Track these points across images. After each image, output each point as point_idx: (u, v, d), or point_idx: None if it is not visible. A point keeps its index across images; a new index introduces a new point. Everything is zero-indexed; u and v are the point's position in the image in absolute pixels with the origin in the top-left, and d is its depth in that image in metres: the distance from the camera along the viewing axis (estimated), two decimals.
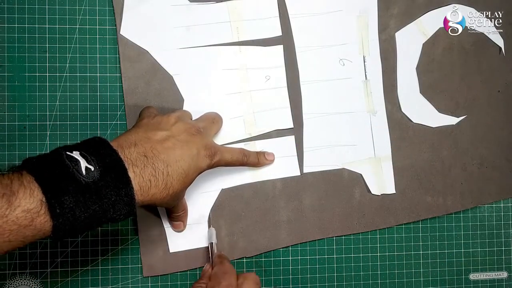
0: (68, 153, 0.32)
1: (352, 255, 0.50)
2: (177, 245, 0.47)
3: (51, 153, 0.32)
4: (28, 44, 0.46)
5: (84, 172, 0.31)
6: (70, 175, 0.30)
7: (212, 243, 0.45)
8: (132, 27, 0.46)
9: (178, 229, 0.47)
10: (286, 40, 0.49)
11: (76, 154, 0.32)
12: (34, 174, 0.30)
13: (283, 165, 0.49)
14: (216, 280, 0.39)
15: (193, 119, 0.45)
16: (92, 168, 0.31)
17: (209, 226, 0.48)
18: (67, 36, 0.46)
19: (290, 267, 0.49)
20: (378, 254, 0.51)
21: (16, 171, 0.30)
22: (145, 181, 0.34)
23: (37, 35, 0.46)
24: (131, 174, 0.33)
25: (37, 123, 0.46)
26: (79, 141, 0.34)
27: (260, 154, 0.48)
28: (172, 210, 0.45)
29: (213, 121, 0.46)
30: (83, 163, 0.31)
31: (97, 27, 0.47)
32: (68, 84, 0.46)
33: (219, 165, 0.42)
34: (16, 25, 0.45)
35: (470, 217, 0.53)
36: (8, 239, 0.29)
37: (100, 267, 0.46)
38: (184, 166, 0.37)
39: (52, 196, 0.29)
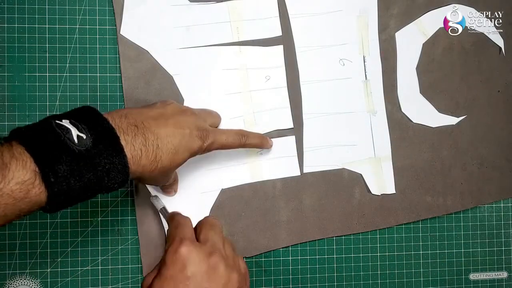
0: (57, 121, 0.31)
1: (352, 255, 0.50)
2: None
3: (40, 122, 0.31)
4: (28, 44, 0.46)
5: (76, 140, 0.30)
6: (62, 143, 0.30)
7: (162, 208, 0.44)
8: (132, 27, 0.46)
9: (169, 194, 0.46)
10: (286, 40, 0.49)
11: (66, 123, 0.31)
12: (25, 145, 0.29)
13: (283, 165, 0.49)
14: (171, 238, 0.37)
15: None
16: (84, 136, 0.31)
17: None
18: (67, 36, 0.46)
19: (290, 267, 0.49)
20: (378, 254, 0.51)
21: (5, 142, 0.30)
22: (136, 150, 0.34)
23: (37, 35, 0.46)
24: (122, 142, 0.33)
25: None
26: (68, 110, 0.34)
27: (264, 137, 0.47)
28: (166, 186, 0.45)
29: (210, 112, 0.46)
30: (74, 132, 0.31)
31: (97, 27, 0.47)
32: (68, 84, 0.46)
33: (214, 148, 0.41)
34: (16, 25, 0.45)
35: (470, 217, 0.53)
36: (3, 213, 0.28)
37: (100, 267, 0.46)
38: (174, 142, 0.36)
39: (45, 165, 0.29)
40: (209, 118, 0.45)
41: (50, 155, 0.29)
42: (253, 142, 0.46)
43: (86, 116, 0.33)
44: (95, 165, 0.31)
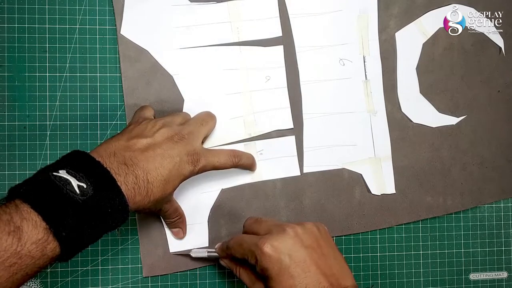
0: (55, 173, 0.31)
1: (352, 255, 0.50)
2: (177, 245, 0.47)
3: (38, 175, 0.32)
4: (28, 44, 0.46)
5: (77, 190, 0.31)
6: (66, 197, 0.30)
7: (208, 253, 0.45)
8: (132, 27, 0.46)
9: (178, 236, 0.47)
10: (286, 40, 0.49)
11: (63, 173, 0.32)
12: (30, 203, 0.30)
13: (283, 165, 0.49)
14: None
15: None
16: (85, 185, 0.32)
17: (208, 225, 0.48)
18: (67, 36, 0.46)
19: None
20: (378, 254, 0.51)
21: (9, 201, 0.30)
22: (129, 189, 0.34)
23: (37, 35, 0.46)
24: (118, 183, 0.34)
25: (37, 123, 0.46)
26: (58, 158, 0.34)
27: (254, 158, 0.47)
28: (165, 216, 0.45)
29: (201, 123, 0.44)
30: (74, 182, 0.31)
31: (97, 27, 0.47)
32: (68, 84, 0.46)
33: (206, 170, 0.42)
34: (16, 25, 0.45)
35: (470, 217, 0.53)
36: (25, 273, 0.29)
37: (100, 267, 0.46)
38: (164, 173, 0.37)
39: (55, 222, 0.30)
40: (202, 130, 0.44)
41: (57, 211, 0.30)
42: (245, 163, 0.46)
43: (80, 163, 0.33)
44: (99, 210, 0.32)
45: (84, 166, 0.33)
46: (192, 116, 0.46)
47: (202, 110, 0.47)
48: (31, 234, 0.29)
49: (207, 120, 0.45)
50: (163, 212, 0.44)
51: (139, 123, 0.40)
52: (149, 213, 0.46)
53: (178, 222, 0.46)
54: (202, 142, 0.44)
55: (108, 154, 0.35)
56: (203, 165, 0.41)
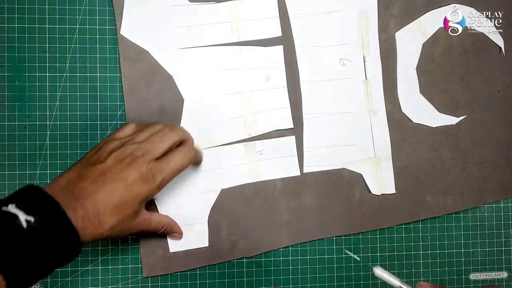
0: (3, 208, 0.31)
1: (352, 255, 0.50)
2: (177, 245, 0.47)
3: None
4: (28, 44, 0.46)
5: (25, 224, 0.31)
6: (12, 234, 0.30)
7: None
8: (132, 27, 0.46)
9: (176, 239, 0.47)
10: (286, 40, 0.49)
11: (11, 208, 0.31)
12: None
13: (283, 165, 0.49)
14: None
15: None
16: (33, 219, 0.31)
17: (208, 225, 0.48)
18: (67, 36, 0.46)
19: (290, 267, 0.49)
20: (378, 254, 0.51)
21: None
22: (79, 222, 0.34)
23: (37, 35, 0.46)
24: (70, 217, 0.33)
25: (37, 123, 0.46)
26: (11, 193, 0.34)
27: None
28: (149, 232, 0.43)
29: (162, 139, 0.40)
30: (22, 216, 0.31)
31: (97, 27, 0.47)
32: (68, 84, 0.46)
33: (169, 181, 0.40)
34: (16, 25, 0.45)
35: (470, 217, 0.53)
36: None
37: (100, 267, 0.46)
38: (115, 198, 0.36)
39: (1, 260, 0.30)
40: (162, 145, 0.40)
41: (1, 245, 0.30)
42: (199, 157, 0.45)
43: (31, 197, 0.33)
44: (47, 244, 0.32)
45: (34, 200, 0.33)
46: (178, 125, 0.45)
47: (202, 110, 0.47)
48: None
49: (170, 136, 0.41)
50: (144, 231, 0.42)
51: (99, 147, 0.39)
52: (123, 237, 0.45)
53: (168, 231, 0.45)
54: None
55: (60, 187, 0.35)
56: (162, 179, 0.39)
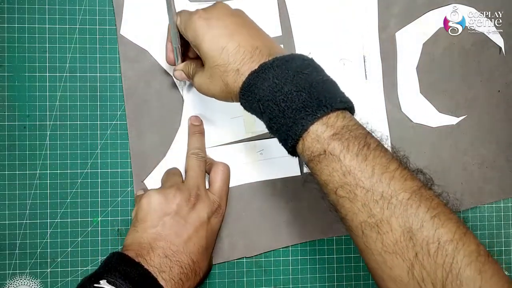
0: (95, 285, 0.31)
1: (352, 255, 0.50)
2: None
3: None
4: (28, 44, 0.46)
5: None
6: None
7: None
8: (132, 27, 0.46)
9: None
10: (286, 40, 0.49)
11: (104, 284, 0.31)
12: None
13: (283, 165, 0.49)
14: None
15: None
16: None
17: None
18: (67, 36, 0.46)
19: (290, 267, 0.49)
20: None
21: None
22: (177, 282, 0.34)
23: (37, 35, 0.46)
24: (162, 282, 0.33)
25: (37, 123, 0.46)
26: (99, 265, 0.34)
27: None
28: None
29: (200, 168, 0.44)
30: None
31: (97, 27, 0.47)
32: (68, 84, 0.46)
33: (227, 197, 0.44)
34: (16, 25, 0.45)
35: (470, 217, 0.53)
36: None
37: None
38: (202, 242, 0.37)
39: None
40: (202, 183, 0.43)
41: None
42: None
43: (120, 269, 0.33)
44: None
45: (123, 272, 0.32)
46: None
47: (202, 110, 0.47)
48: None
49: (197, 168, 0.44)
50: None
51: (149, 205, 0.39)
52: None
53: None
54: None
55: (146, 251, 0.35)
56: (225, 201, 0.43)
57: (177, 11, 0.40)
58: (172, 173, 0.44)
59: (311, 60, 0.34)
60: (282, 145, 0.33)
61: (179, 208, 0.38)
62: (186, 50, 0.42)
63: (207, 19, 0.35)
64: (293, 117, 0.31)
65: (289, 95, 0.31)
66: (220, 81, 0.35)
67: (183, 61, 0.43)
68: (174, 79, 0.46)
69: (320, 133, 0.30)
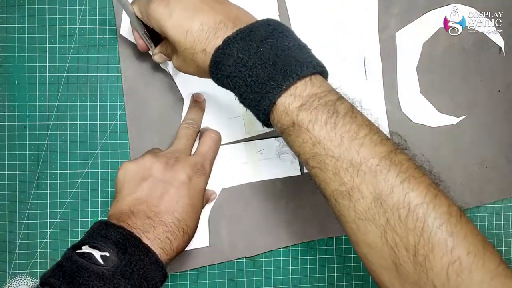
0: (78, 251, 0.31)
1: (352, 255, 0.50)
2: None
3: (63, 259, 0.31)
4: (28, 44, 0.46)
5: (101, 261, 0.30)
6: (90, 272, 0.30)
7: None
8: None
9: (213, 199, 0.47)
10: None
11: (86, 249, 0.31)
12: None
13: (283, 165, 0.49)
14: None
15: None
16: (108, 254, 0.31)
17: (208, 225, 0.47)
18: (67, 36, 0.46)
19: (290, 267, 0.49)
20: None
21: None
22: (163, 240, 0.34)
23: (37, 35, 0.46)
24: (147, 241, 0.33)
25: (37, 123, 0.46)
26: (83, 235, 0.34)
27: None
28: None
29: (187, 137, 0.43)
30: (97, 254, 0.31)
31: (97, 27, 0.47)
32: (68, 84, 0.46)
33: (213, 162, 0.42)
34: (16, 25, 0.45)
35: (470, 217, 0.53)
36: None
37: None
38: (185, 200, 0.37)
39: None
40: (188, 143, 0.43)
41: (82, 283, 0.29)
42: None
43: (102, 233, 0.32)
44: (129, 276, 0.31)
45: (105, 235, 0.32)
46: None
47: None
48: None
49: (187, 134, 0.44)
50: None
51: (128, 174, 0.38)
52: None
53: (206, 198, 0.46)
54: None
55: (127, 216, 0.34)
56: (209, 163, 0.41)
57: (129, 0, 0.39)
58: (153, 148, 0.44)
59: (277, 24, 0.33)
60: (257, 119, 0.33)
61: (156, 172, 0.38)
62: (156, 32, 0.40)
63: (166, 5, 0.34)
64: (260, 92, 0.30)
65: (254, 69, 0.30)
66: (192, 63, 0.34)
67: (156, 43, 0.42)
68: (158, 63, 0.45)
69: (287, 105, 0.30)
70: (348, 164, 0.29)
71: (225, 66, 0.32)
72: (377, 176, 0.28)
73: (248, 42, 0.31)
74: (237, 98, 0.33)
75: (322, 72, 0.32)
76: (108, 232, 0.32)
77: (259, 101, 0.31)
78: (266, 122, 0.32)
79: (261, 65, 0.30)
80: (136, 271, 0.31)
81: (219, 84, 0.34)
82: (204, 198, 0.42)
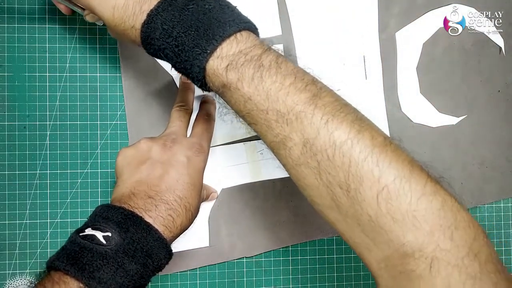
0: (81, 234, 0.31)
1: (352, 255, 0.50)
2: (177, 245, 0.47)
3: (67, 243, 0.32)
4: (28, 44, 0.46)
5: (104, 241, 0.31)
6: (93, 252, 0.30)
7: None
8: None
9: (214, 198, 0.47)
10: (286, 39, 0.49)
11: (88, 231, 0.31)
12: (62, 269, 0.30)
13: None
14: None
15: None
16: (110, 234, 0.31)
17: (208, 225, 0.47)
18: (67, 36, 0.46)
19: (290, 267, 0.49)
20: None
21: (45, 276, 0.31)
22: (166, 218, 0.34)
23: (37, 35, 0.46)
24: (149, 220, 0.33)
25: (37, 123, 0.46)
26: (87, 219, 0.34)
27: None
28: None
29: (180, 119, 0.42)
30: (99, 234, 0.31)
31: (97, 27, 0.46)
32: (68, 84, 0.46)
33: (210, 141, 0.42)
34: (16, 25, 0.45)
35: None
36: None
37: None
38: (185, 179, 0.36)
39: (87, 278, 0.29)
40: (183, 125, 0.42)
41: (87, 268, 0.30)
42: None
43: (104, 215, 0.33)
44: (133, 254, 0.31)
45: (107, 217, 0.32)
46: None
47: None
48: None
49: (179, 116, 0.43)
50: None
51: (126, 159, 0.39)
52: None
53: (207, 196, 0.46)
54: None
55: (128, 198, 0.35)
56: (207, 143, 0.41)
57: None
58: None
59: None
60: (196, 86, 0.33)
61: (155, 153, 0.38)
62: None
63: None
64: (188, 60, 0.31)
65: (179, 38, 0.31)
66: (126, 38, 0.34)
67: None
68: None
69: (216, 67, 0.30)
70: (277, 115, 0.30)
71: (154, 40, 0.32)
72: (303, 122, 0.29)
73: (171, 12, 0.31)
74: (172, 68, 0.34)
75: (249, 28, 0.32)
76: (110, 214, 0.33)
77: (190, 68, 0.31)
78: (203, 87, 0.33)
79: (185, 33, 0.31)
80: (139, 249, 0.31)
81: (156, 58, 0.34)
82: (204, 190, 0.42)
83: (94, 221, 0.32)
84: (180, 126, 0.42)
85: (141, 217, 0.33)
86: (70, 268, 0.29)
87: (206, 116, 0.44)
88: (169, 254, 0.34)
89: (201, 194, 0.41)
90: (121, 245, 0.31)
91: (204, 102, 0.44)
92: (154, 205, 0.34)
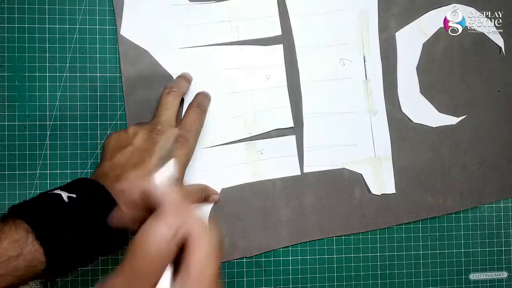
0: (49, 192, 0.33)
1: (352, 255, 0.50)
2: None
3: (35, 196, 0.33)
4: (28, 44, 0.46)
5: (67, 200, 0.32)
6: (52, 205, 0.32)
7: None
8: (132, 27, 0.46)
9: (214, 201, 0.47)
10: (286, 39, 0.49)
11: (56, 191, 0.33)
12: (18, 215, 0.31)
13: (283, 165, 0.49)
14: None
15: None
16: (74, 195, 0.33)
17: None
18: (67, 36, 0.46)
19: (290, 267, 0.49)
20: (378, 254, 0.51)
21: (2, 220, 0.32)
22: (127, 204, 0.35)
23: (37, 35, 0.46)
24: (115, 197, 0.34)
25: (37, 123, 0.46)
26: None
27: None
28: (195, 201, 0.44)
29: (167, 106, 0.42)
30: (64, 194, 0.33)
31: (97, 27, 0.47)
32: (68, 84, 0.46)
33: (198, 134, 0.42)
34: (16, 25, 0.45)
35: (470, 217, 0.53)
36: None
37: (100, 267, 0.46)
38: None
39: (36, 222, 0.30)
40: (170, 113, 0.42)
41: (40, 214, 0.31)
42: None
43: (75, 182, 0.35)
44: (88, 214, 0.32)
45: (77, 183, 0.35)
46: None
47: None
48: (10, 234, 0.30)
49: (169, 103, 0.43)
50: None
51: (113, 142, 0.41)
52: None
53: (206, 196, 0.46)
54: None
55: (103, 176, 0.36)
56: (194, 135, 0.41)
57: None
58: None
59: None
60: None
61: (138, 141, 0.39)
62: None
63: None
64: None
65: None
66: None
67: None
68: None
69: None
70: None
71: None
72: None
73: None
74: None
75: None
76: (81, 182, 0.35)
77: None
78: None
79: None
80: (93, 212, 0.33)
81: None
82: (203, 192, 0.44)
83: (65, 186, 0.34)
84: (167, 115, 0.42)
85: (103, 186, 0.34)
86: (26, 215, 0.31)
87: (197, 108, 0.44)
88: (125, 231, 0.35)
89: (199, 194, 0.41)
90: (80, 204, 0.32)
91: (198, 93, 0.45)
92: (121, 191, 0.35)
